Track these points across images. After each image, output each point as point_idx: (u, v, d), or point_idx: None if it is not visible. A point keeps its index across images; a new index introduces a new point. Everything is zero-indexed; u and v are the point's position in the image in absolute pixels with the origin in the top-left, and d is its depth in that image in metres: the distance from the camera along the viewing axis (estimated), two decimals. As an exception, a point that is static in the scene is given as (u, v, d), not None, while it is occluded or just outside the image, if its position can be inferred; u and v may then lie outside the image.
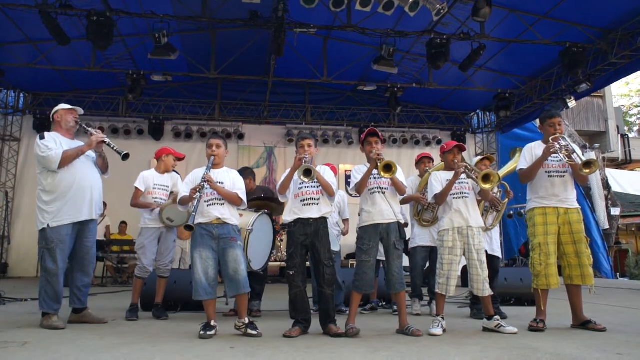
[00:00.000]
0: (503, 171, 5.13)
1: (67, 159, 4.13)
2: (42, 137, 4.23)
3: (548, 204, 4.16)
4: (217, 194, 3.98)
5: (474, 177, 4.14)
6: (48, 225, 4.11)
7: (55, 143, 4.19)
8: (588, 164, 3.90)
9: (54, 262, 4.08)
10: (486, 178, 4.01)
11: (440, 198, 4.19)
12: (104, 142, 4.34)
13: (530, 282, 4.29)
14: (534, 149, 4.28)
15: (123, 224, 10.44)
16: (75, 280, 4.33)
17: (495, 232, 5.22)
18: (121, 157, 4.30)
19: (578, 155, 4.03)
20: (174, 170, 5.37)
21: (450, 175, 4.23)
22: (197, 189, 3.86)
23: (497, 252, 5.18)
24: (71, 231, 4.19)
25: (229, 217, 4.01)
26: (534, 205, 4.23)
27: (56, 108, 4.47)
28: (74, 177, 4.20)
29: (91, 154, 4.44)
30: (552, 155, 4.11)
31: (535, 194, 4.25)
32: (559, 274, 4.13)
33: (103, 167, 4.53)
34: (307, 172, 3.76)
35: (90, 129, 4.41)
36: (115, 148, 4.33)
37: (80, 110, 4.52)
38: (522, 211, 10.65)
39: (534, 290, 4.17)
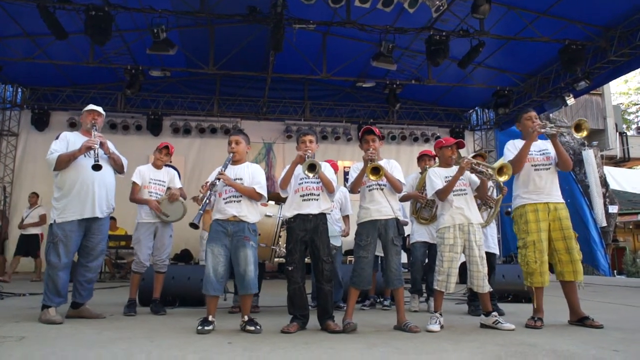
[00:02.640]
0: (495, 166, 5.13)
1: (62, 163, 4.24)
2: (56, 138, 4.40)
3: (538, 199, 4.16)
4: (234, 191, 3.96)
5: (483, 170, 4.14)
6: (55, 220, 4.25)
7: (66, 144, 4.34)
8: (578, 125, 3.94)
9: (57, 257, 4.19)
10: (501, 171, 4.03)
11: (444, 194, 4.16)
12: (91, 148, 4.27)
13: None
14: (517, 144, 4.31)
15: (112, 219, 10.33)
16: (78, 275, 4.43)
17: (491, 229, 5.24)
18: (92, 166, 4.20)
19: (564, 126, 4.08)
20: (171, 166, 5.37)
21: (447, 171, 4.24)
22: (209, 187, 3.86)
23: (493, 248, 5.20)
24: (76, 228, 4.27)
25: (245, 214, 3.97)
26: (524, 201, 4.22)
27: (83, 109, 4.60)
28: (78, 175, 4.29)
29: (103, 154, 4.45)
30: (536, 149, 4.19)
31: (524, 188, 4.24)
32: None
33: (116, 166, 4.57)
34: (312, 167, 3.76)
35: (93, 131, 4.41)
36: (95, 158, 4.23)
37: (101, 111, 4.58)
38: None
39: (528, 288, 4.19)
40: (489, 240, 5.17)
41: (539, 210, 4.14)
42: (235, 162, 4.12)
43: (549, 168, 4.22)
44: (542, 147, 4.25)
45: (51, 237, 4.25)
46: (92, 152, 4.26)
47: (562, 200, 4.23)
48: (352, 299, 4.01)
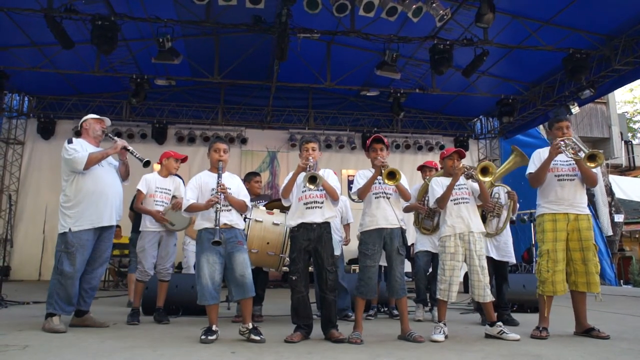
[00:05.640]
0: (499, 171, 5.05)
1: (93, 161, 4.28)
2: (69, 142, 4.38)
3: (558, 209, 4.12)
4: (225, 200, 3.99)
5: (472, 173, 4.13)
6: (70, 229, 4.20)
7: (81, 147, 4.35)
8: (592, 156, 3.84)
9: (72, 266, 4.16)
10: (484, 170, 4.02)
11: (442, 201, 4.18)
12: (126, 148, 4.52)
13: (533, 288, 4.26)
14: (542, 154, 4.24)
15: (117, 227, 10.30)
16: (83, 282, 4.39)
17: (506, 236, 5.13)
18: (142, 164, 4.48)
19: (584, 152, 3.99)
20: (176, 175, 5.39)
21: (449, 180, 4.23)
22: (215, 201, 3.88)
23: (507, 257, 5.09)
24: (92, 236, 4.29)
25: (236, 221, 4.05)
26: (544, 211, 4.20)
27: (85, 117, 4.64)
28: (95, 184, 4.32)
29: (114, 161, 4.60)
30: (562, 159, 4.10)
31: (545, 198, 4.21)
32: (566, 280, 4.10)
33: (124, 174, 4.65)
34: (313, 179, 3.75)
35: (115, 137, 4.61)
36: (137, 155, 4.53)
37: (108, 121, 4.67)
38: (525, 217, 10.62)
39: (539, 297, 4.13)
40: (502, 248, 5.07)
41: (558, 220, 4.10)
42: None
43: (574, 179, 4.15)
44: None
45: (65, 245, 4.18)
46: (104, 160, 4.43)
47: (586, 212, 4.16)
48: (360, 310, 3.99)
